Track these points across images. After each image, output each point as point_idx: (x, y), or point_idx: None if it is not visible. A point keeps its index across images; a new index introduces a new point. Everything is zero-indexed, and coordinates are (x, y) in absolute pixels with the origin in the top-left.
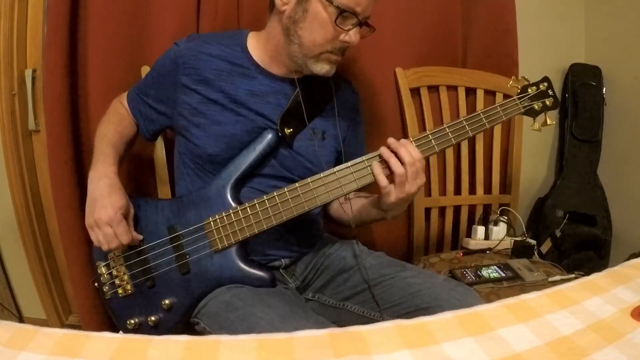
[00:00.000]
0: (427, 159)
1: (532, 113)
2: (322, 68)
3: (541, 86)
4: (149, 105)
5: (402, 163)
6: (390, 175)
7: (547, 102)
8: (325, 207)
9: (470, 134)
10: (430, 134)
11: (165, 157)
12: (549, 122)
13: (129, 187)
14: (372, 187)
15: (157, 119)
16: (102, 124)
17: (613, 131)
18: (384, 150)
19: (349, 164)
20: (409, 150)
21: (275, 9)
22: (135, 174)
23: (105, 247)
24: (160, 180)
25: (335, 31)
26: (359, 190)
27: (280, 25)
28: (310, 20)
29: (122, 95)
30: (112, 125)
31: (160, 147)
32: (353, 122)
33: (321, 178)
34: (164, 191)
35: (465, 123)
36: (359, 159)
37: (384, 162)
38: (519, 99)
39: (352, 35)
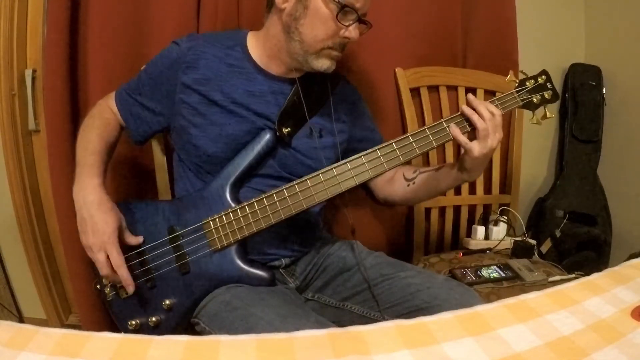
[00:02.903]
0: (426, 155)
1: (530, 106)
2: (323, 64)
3: (539, 79)
4: (143, 105)
5: (483, 119)
6: (472, 132)
7: (546, 95)
8: (377, 196)
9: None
10: (428, 128)
11: (164, 159)
12: (548, 115)
13: (128, 189)
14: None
15: (150, 120)
16: (85, 129)
17: (613, 131)
18: (465, 109)
19: (346, 161)
20: (487, 107)
21: (274, 7)
22: (135, 174)
23: (99, 266)
24: (160, 181)
25: (336, 27)
26: (362, 184)
27: (280, 22)
28: (311, 16)
29: (109, 96)
30: (97, 131)
31: (159, 148)
32: (354, 116)
33: (319, 176)
34: (164, 192)
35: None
36: (355, 156)
37: (461, 123)
38: (517, 92)
39: (352, 30)
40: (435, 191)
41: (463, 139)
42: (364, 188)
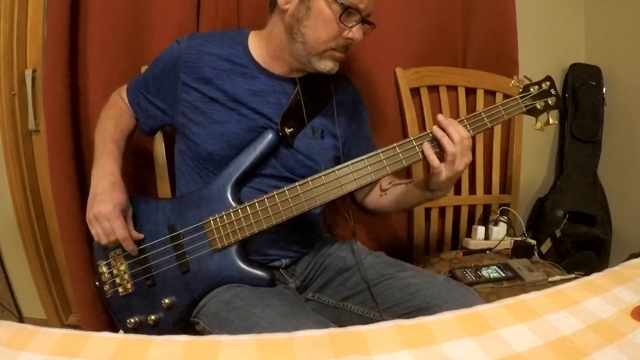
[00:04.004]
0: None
1: (534, 112)
2: (326, 65)
3: (543, 85)
4: (150, 101)
5: (453, 141)
6: (440, 153)
7: (550, 102)
8: (356, 200)
9: (471, 134)
10: (431, 132)
11: (165, 156)
12: (551, 121)
13: (129, 186)
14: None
15: (156, 115)
16: (103, 119)
17: (613, 131)
18: (436, 130)
19: (348, 163)
20: (457, 129)
21: (276, 8)
22: (136, 172)
23: (103, 241)
24: (160, 179)
25: (339, 28)
26: (362, 188)
27: (283, 24)
28: (314, 17)
29: (122, 88)
30: (113, 120)
31: (160, 145)
32: (355, 119)
33: (321, 177)
34: (164, 190)
35: (466, 122)
36: (358, 158)
37: (433, 142)
38: (521, 98)
39: (355, 32)
40: (404, 206)
41: (435, 160)
42: None
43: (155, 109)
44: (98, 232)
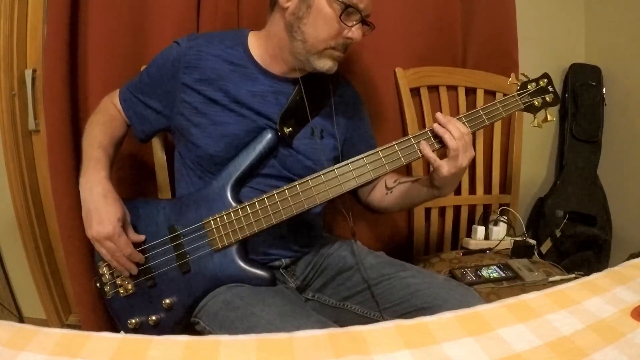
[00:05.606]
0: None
1: (532, 109)
2: (325, 64)
3: (541, 82)
4: (146, 104)
5: (453, 138)
6: (441, 150)
7: (547, 98)
8: (360, 199)
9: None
10: (429, 131)
11: (165, 158)
12: (549, 118)
13: (129, 188)
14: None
15: (153, 119)
16: (91, 125)
17: (613, 131)
18: (437, 127)
19: (348, 162)
20: (457, 126)
21: (277, 6)
22: (135, 175)
23: (108, 258)
24: (160, 181)
25: (339, 27)
26: (367, 184)
27: (283, 22)
28: (314, 16)
29: (113, 94)
30: (102, 127)
31: (159, 148)
32: (354, 120)
33: (320, 176)
34: (164, 192)
35: (464, 120)
36: (357, 157)
37: (431, 139)
38: (518, 95)
39: (355, 31)
40: (410, 203)
41: (433, 157)
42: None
43: (150, 111)
44: (102, 252)
